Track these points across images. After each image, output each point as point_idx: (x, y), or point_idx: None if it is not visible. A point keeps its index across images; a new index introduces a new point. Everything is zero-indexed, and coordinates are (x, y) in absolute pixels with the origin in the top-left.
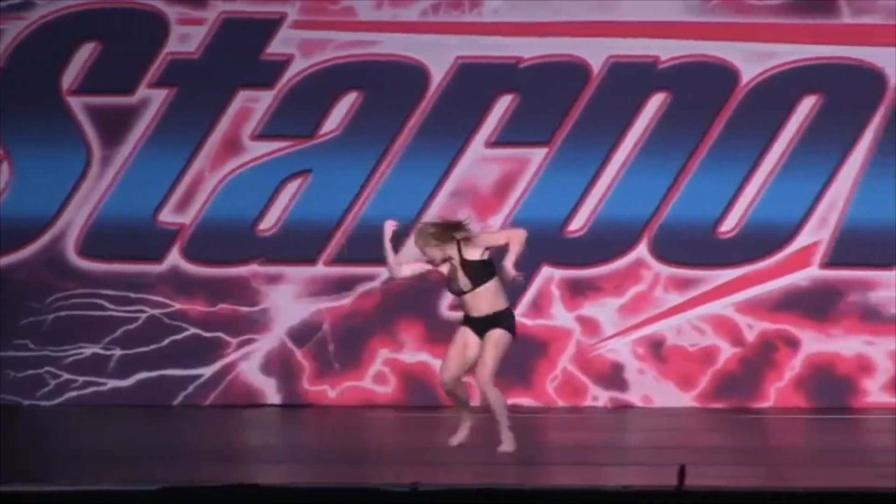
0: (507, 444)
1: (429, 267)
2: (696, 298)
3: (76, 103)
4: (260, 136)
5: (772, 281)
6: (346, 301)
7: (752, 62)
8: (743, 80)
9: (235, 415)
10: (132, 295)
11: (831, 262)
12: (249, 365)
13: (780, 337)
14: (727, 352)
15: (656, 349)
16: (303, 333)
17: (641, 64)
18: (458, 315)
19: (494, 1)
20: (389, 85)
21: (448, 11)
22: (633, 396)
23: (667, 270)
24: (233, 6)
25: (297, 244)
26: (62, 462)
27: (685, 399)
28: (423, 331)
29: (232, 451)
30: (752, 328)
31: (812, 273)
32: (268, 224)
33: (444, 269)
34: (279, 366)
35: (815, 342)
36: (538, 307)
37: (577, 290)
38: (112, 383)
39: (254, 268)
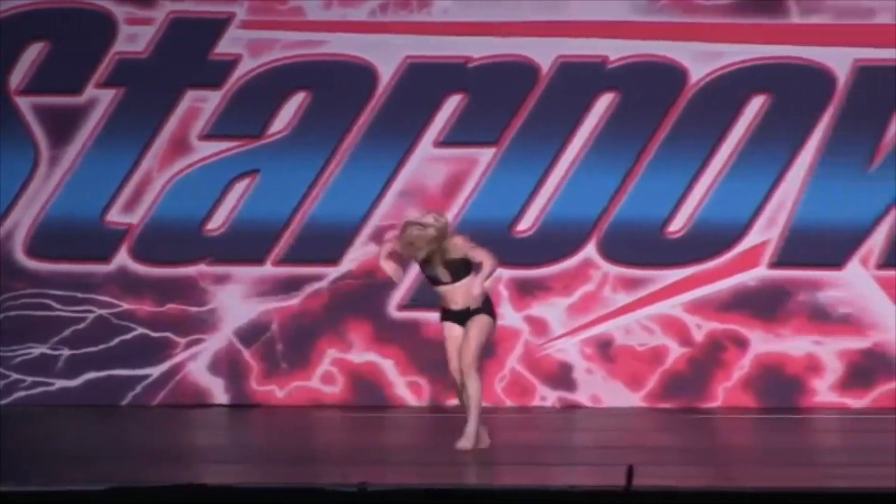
0: (467, 440)
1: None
2: (644, 298)
3: (24, 103)
4: (208, 136)
5: (720, 281)
6: (294, 301)
7: (700, 62)
8: (691, 79)
9: (183, 415)
10: (80, 295)
11: (780, 261)
12: (197, 365)
13: (729, 337)
14: (676, 352)
15: (605, 349)
16: (251, 333)
17: (590, 64)
18: (407, 315)
19: (443, 1)
20: (338, 85)
21: (397, 11)
22: (581, 396)
23: (615, 270)
24: (181, 6)
25: (245, 244)
26: (9, 462)
27: (633, 399)
28: (371, 331)
29: (180, 451)
30: (701, 328)
31: (760, 273)
32: (216, 224)
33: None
34: (227, 366)
35: (763, 342)
36: None
37: (525, 290)
38: (60, 383)
39: (202, 268)
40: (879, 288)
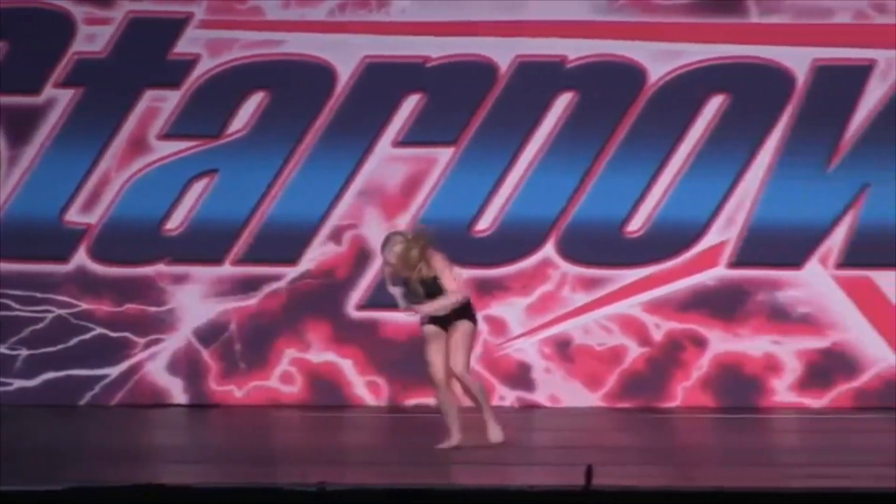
0: (496, 434)
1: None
2: (603, 298)
3: None
4: (167, 135)
5: (679, 280)
6: (252, 301)
7: (659, 61)
8: (650, 79)
9: (142, 415)
10: (38, 295)
11: (738, 261)
12: (156, 365)
13: (688, 336)
14: (634, 351)
15: (563, 349)
16: (209, 333)
17: (549, 63)
18: (366, 315)
19: (402, 0)
20: (296, 84)
21: (355, 11)
22: (540, 396)
23: (574, 270)
24: (140, 6)
25: (204, 244)
26: None
27: (592, 399)
28: (329, 331)
29: (138, 451)
30: (660, 328)
31: (719, 273)
32: (174, 224)
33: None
34: (186, 366)
35: (722, 342)
36: None
37: (484, 290)
38: (18, 383)
39: (160, 268)
40: (838, 287)
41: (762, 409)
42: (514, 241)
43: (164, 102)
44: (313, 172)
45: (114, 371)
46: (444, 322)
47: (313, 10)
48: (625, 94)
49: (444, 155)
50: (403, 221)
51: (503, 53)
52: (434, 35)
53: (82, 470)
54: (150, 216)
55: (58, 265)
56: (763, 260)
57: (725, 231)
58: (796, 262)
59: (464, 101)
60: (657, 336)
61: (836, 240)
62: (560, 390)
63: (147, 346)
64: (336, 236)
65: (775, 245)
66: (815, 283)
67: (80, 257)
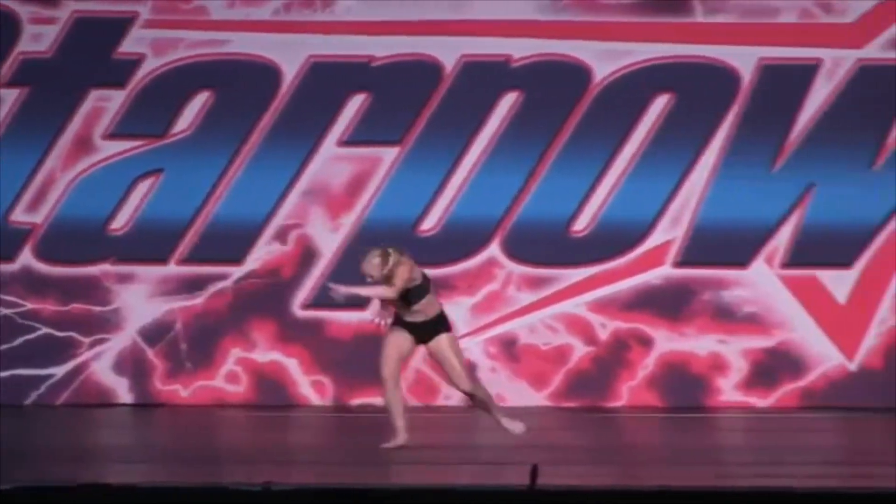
0: (517, 426)
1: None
2: (548, 297)
3: None
4: (112, 135)
5: (625, 280)
6: (198, 300)
7: (604, 61)
8: (595, 78)
9: (87, 414)
10: None
11: (684, 260)
12: (101, 364)
13: (633, 336)
14: (580, 350)
15: (509, 348)
16: (155, 333)
17: (494, 63)
18: (311, 315)
19: (347, 0)
20: (241, 84)
21: (300, 10)
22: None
23: (519, 269)
24: (85, 5)
25: (149, 244)
26: None
27: (538, 398)
28: (275, 330)
29: (84, 451)
30: (605, 327)
31: (665, 272)
32: (119, 223)
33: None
34: (131, 365)
35: (667, 341)
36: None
37: None
38: None
39: (105, 267)
40: (784, 287)
41: (708, 408)
42: (460, 240)
43: (110, 102)
44: (258, 172)
45: (59, 371)
46: (419, 333)
47: (258, 10)
48: (570, 93)
49: (390, 154)
50: (348, 221)
51: (448, 53)
52: (379, 34)
53: (28, 470)
54: (96, 216)
55: (3, 265)
56: (709, 259)
57: (671, 230)
58: (742, 261)
59: (409, 101)
60: (603, 335)
61: (782, 239)
62: (506, 390)
63: (92, 345)
64: (281, 236)
65: (721, 244)
66: (760, 282)
67: (26, 257)
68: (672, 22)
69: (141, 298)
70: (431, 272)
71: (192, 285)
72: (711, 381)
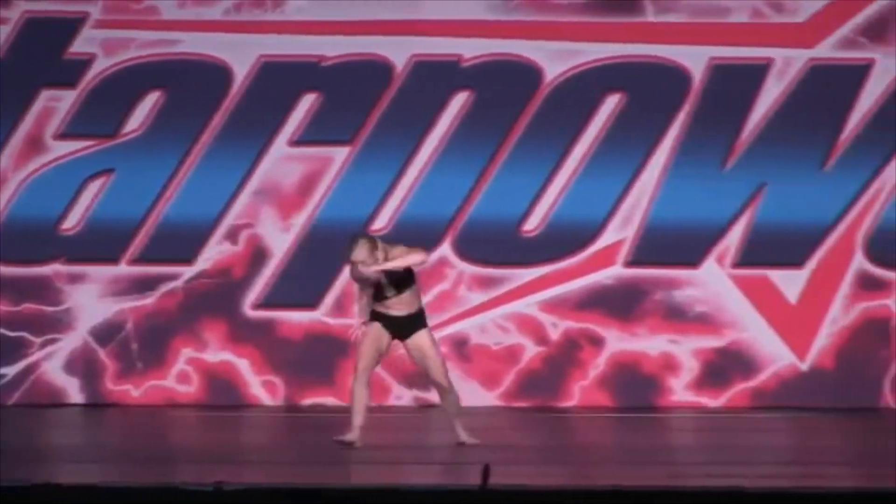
0: (470, 437)
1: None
2: (499, 297)
3: None
4: (63, 135)
5: (576, 279)
6: (148, 300)
7: (555, 61)
8: (546, 78)
9: (39, 414)
10: None
11: (635, 260)
12: (52, 364)
13: (585, 335)
14: (531, 350)
15: (460, 348)
16: (106, 333)
17: (444, 63)
18: (262, 315)
19: (297, 0)
20: (192, 84)
21: (251, 10)
22: (437, 395)
23: (470, 269)
24: (35, 5)
25: (100, 244)
26: None
27: (489, 398)
28: (226, 330)
29: (35, 451)
30: (557, 327)
31: (616, 271)
32: (71, 223)
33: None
34: (82, 365)
35: (619, 341)
36: (341, 306)
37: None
38: None
39: (57, 267)
40: (735, 287)
41: (659, 408)
42: (410, 240)
43: (60, 102)
44: (209, 172)
45: (10, 371)
46: (398, 329)
47: (209, 10)
48: (521, 93)
49: (340, 154)
50: (299, 221)
51: (399, 53)
52: (330, 34)
53: None
54: (47, 216)
55: None
56: (660, 259)
57: (622, 230)
58: (693, 261)
59: (359, 101)
60: (554, 335)
61: (733, 239)
62: (457, 389)
63: (44, 345)
64: (232, 236)
65: (672, 244)
66: (711, 282)
67: None
68: (623, 22)
69: (92, 298)
70: None
71: (143, 285)
72: (663, 381)
